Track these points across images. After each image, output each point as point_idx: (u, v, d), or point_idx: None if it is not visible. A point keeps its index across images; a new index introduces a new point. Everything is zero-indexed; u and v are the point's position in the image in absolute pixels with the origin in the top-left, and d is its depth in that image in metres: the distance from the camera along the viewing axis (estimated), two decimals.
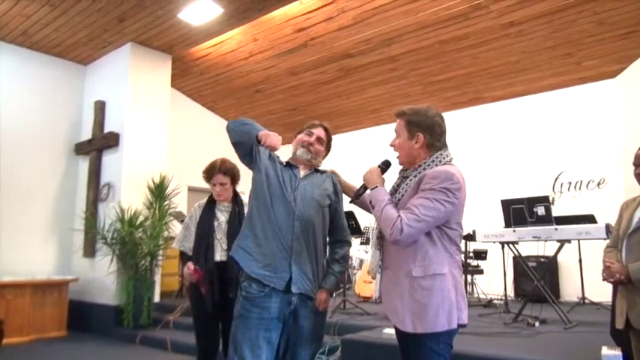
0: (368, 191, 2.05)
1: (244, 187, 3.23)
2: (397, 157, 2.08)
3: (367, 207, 2.14)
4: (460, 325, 1.87)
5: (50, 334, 5.94)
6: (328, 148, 2.50)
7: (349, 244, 2.46)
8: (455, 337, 1.93)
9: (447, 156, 1.98)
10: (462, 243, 5.58)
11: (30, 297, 5.85)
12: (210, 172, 3.10)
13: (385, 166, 2.13)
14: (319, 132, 2.42)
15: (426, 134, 1.97)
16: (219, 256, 2.94)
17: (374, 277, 2.10)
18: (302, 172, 2.37)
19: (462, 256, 5.59)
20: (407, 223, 1.80)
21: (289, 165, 2.39)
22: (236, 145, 2.37)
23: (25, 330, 5.74)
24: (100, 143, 6.76)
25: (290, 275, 2.17)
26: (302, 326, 2.22)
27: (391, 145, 2.09)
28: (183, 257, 3.15)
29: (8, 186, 6.44)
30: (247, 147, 2.34)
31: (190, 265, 2.94)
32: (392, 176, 2.09)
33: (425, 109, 2.02)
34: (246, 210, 3.03)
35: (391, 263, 1.99)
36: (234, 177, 3.13)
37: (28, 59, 6.81)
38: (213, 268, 2.90)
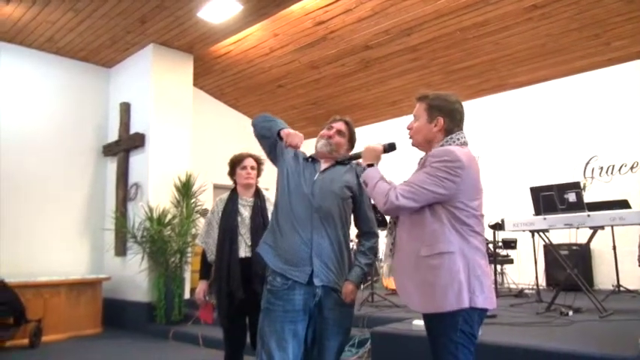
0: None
1: (267, 183, 3.26)
2: (410, 139, 2.10)
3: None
4: (481, 310, 1.85)
5: (86, 332, 6.11)
6: (352, 142, 2.49)
7: (376, 236, 2.44)
8: (479, 327, 1.90)
9: (460, 139, 1.99)
10: (491, 233, 5.53)
11: (65, 296, 6.02)
12: (239, 158, 3.12)
13: (390, 148, 2.15)
14: (339, 125, 2.44)
15: (446, 118, 1.99)
16: (244, 251, 2.93)
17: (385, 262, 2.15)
18: (323, 166, 2.38)
19: (491, 245, 5.56)
20: (400, 193, 1.87)
21: (312, 160, 2.42)
22: (260, 140, 2.43)
23: (62, 328, 5.91)
24: (126, 144, 6.89)
25: (312, 268, 2.18)
26: (327, 318, 2.22)
27: (408, 128, 2.11)
28: (204, 263, 3.16)
29: (42, 189, 6.63)
30: (271, 143, 2.40)
31: (201, 295, 3.08)
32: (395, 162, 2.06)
33: (446, 94, 2.06)
34: (268, 206, 3.07)
35: (402, 246, 2.01)
36: (260, 166, 3.15)
37: (54, 64, 6.98)
38: (237, 265, 2.89)
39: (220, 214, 3.07)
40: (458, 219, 1.88)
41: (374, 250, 2.40)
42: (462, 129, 2.03)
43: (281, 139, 2.31)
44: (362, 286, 6.30)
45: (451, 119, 2.00)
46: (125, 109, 7.06)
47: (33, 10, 5.79)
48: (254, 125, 2.45)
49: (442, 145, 1.97)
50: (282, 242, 2.25)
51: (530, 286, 5.56)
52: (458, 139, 1.98)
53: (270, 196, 3.18)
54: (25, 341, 5.36)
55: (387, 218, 2.21)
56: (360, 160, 2.17)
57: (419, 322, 3.31)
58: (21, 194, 6.45)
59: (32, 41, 6.59)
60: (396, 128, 8.34)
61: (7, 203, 6.32)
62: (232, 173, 3.16)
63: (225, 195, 3.16)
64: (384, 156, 2.14)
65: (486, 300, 1.86)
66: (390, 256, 2.09)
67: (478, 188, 1.95)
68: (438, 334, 1.89)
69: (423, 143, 2.05)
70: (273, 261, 2.25)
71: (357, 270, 2.31)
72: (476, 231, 1.91)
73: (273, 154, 2.43)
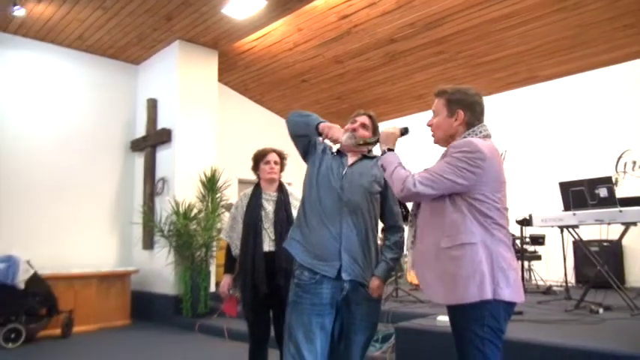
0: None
1: (290, 178, 3.27)
2: (432, 136, 2.09)
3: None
4: (507, 304, 1.82)
5: (115, 323, 6.27)
6: (376, 135, 2.47)
7: (401, 230, 2.42)
8: (507, 322, 1.87)
9: (482, 131, 1.97)
10: (518, 228, 5.44)
11: (96, 288, 6.19)
12: (262, 153, 3.13)
13: (405, 131, 2.16)
14: (363, 119, 2.43)
15: (466, 111, 1.98)
16: (267, 246, 2.95)
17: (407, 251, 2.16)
18: (350, 160, 2.38)
19: (518, 241, 5.47)
20: (419, 180, 1.87)
21: (339, 153, 2.42)
22: (295, 139, 2.43)
23: (92, 319, 6.07)
24: (153, 139, 7.01)
25: (340, 263, 2.19)
26: (354, 312, 2.23)
27: (429, 125, 2.10)
28: (229, 257, 3.20)
29: (73, 184, 6.82)
30: (306, 140, 2.40)
31: (225, 288, 3.11)
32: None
33: (465, 88, 2.03)
34: (292, 200, 3.09)
35: (422, 237, 2.01)
36: (283, 161, 3.16)
37: (84, 62, 7.14)
38: (261, 259, 2.92)
39: (244, 209, 3.10)
40: (479, 211, 1.86)
41: (400, 244, 2.38)
42: (482, 122, 2.00)
43: (319, 133, 2.30)
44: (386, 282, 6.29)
45: (472, 112, 1.98)
46: (152, 105, 7.17)
47: (63, 9, 5.93)
48: (289, 122, 2.43)
49: (464, 138, 1.94)
50: (310, 237, 2.26)
51: (559, 283, 5.44)
52: (480, 132, 1.96)
53: (293, 190, 3.20)
54: (58, 331, 5.54)
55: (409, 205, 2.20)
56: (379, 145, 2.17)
57: (443, 318, 3.28)
58: (54, 189, 6.64)
59: (63, 39, 6.75)
60: (421, 122, 8.23)
61: (41, 198, 6.51)
62: (256, 168, 3.18)
63: (249, 190, 3.18)
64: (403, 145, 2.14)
65: (513, 294, 1.82)
66: (412, 248, 2.09)
67: (500, 181, 1.93)
68: (463, 328, 1.87)
69: (445, 139, 2.03)
70: (301, 256, 2.26)
71: (384, 265, 2.30)
72: (499, 223, 1.88)
73: (307, 151, 2.43)
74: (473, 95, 2.00)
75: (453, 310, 1.91)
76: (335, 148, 2.45)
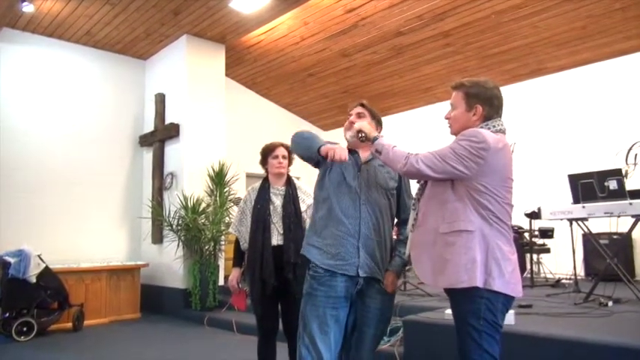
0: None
1: (298, 172, 3.27)
2: (449, 127, 2.10)
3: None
4: (505, 298, 1.83)
5: (125, 317, 6.33)
6: (376, 119, 2.42)
7: None
8: (504, 316, 1.88)
9: (496, 126, 1.97)
10: (527, 221, 5.41)
11: (106, 282, 6.25)
12: (270, 147, 3.14)
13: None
14: (356, 110, 2.42)
15: (485, 106, 1.97)
16: (276, 240, 2.97)
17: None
18: (362, 157, 2.35)
19: (527, 234, 5.44)
20: (422, 159, 1.92)
21: (349, 151, 2.35)
22: (302, 159, 2.43)
23: (103, 312, 6.15)
24: (162, 134, 7.04)
25: (359, 260, 2.19)
26: (369, 306, 2.25)
27: (446, 118, 2.10)
28: (237, 251, 3.21)
29: (83, 180, 6.88)
30: (313, 161, 2.38)
31: (234, 282, 3.13)
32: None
33: (483, 81, 2.02)
34: (300, 194, 3.10)
35: (423, 222, 2.04)
36: (291, 155, 3.16)
37: (92, 57, 7.18)
38: (269, 253, 2.94)
39: (253, 203, 3.11)
40: (479, 201, 1.87)
41: None
42: (500, 116, 2.00)
43: (324, 157, 2.21)
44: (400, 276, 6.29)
45: (490, 106, 1.97)
46: (160, 99, 7.20)
47: (71, 5, 5.96)
48: (292, 144, 2.42)
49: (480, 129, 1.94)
50: (326, 239, 2.23)
51: (568, 277, 5.41)
52: (494, 127, 1.96)
53: (301, 184, 3.20)
54: (69, 325, 5.61)
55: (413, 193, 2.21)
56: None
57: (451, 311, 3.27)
58: (63, 185, 6.70)
59: (71, 35, 6.78)
60: (430, 115, 8.23)
61: (51, 193, 6.58)
62: (264, 162, 3.19)
63: (258, 184, 3.20)
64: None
65: (507, 285, 1.83)
66: (412, 231, 2.12)
67: (505, 176, 1.93)
68: (460, 321, 1.90)
69: (462, 131, 2.00)
70: (320, 259, 2.22)
71: (398, 260, 2.31)
72: (500, 218, 1.89)
73: (318, 165, 2.39)
74: (491, 89, 1.99)
75: (451, 296, 1.96)
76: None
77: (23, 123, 6.51)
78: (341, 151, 2.14)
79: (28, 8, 5.80)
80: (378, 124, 2.42)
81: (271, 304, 3.03)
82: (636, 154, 6.50)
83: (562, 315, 3.49)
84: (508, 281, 1.84)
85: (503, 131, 1.98)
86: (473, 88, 1.99)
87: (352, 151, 2.37)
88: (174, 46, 7.05)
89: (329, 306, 2.17)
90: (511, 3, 5.75)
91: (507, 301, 1.87)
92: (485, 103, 1.97)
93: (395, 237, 2.42)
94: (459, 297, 1.88)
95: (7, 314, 5.12)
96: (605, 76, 6.81)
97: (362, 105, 2.43)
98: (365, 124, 2.19)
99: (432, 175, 1.91)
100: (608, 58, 6.75)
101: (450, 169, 1.87)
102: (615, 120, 6.63)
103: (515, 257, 1.91)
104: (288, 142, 3.16)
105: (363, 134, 2.17)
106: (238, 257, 3.20)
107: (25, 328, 5.08)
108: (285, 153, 3.13)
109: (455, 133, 2.07)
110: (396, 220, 2.43)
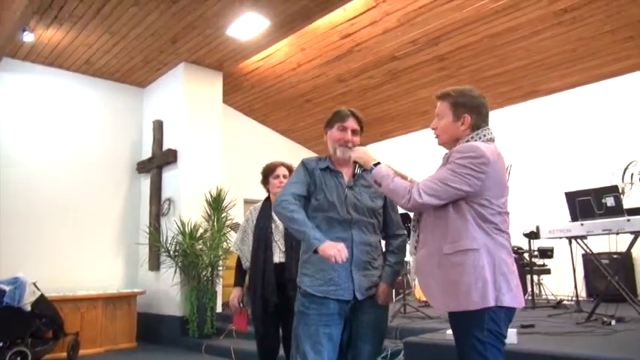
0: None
1: None
2: (436, 138, 2.07)
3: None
4: (508, 309, 1.80)
5: (121, 346, 6.22)
6: (361, 128, 2.37)
7: (403, 235, 2.40)
8: (507, 326, 1.85)
9: (486, 135, 1.95)
10: (525, 241, 5.38)
11: (102, 310, 6.16)
12: (271, 167, 3.17)
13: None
14: (351, 124, 2.32)
15: (472, 115, 1.95)
16: (278, 257, 2.98)
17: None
18: (346, 177, 2.30)
19: (527, 255, 5.40)
20: (423, 190, 1.84)
21: (330, 171, 2.30)
22: None
23: (99, 341, 6.04)
24: (159, 161, 7.06)
25: (354, 285, 2.15)
26: (362, 320, 2.21)
27: (432, 128, 2.08)
28: (239, 270, 3.20)
29: (79, 206, 6.86)
30: None
31: (235, 301, 3.10)
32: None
33: (469, 89, 2.01)
34: None
35: (425, 243, 1.98)
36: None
37: (91, 86, 7.27)
38: (272, 271, 2.94)
39: (255, 222, 3.14)
40: (482, 216, 1.84)
41: (402, 247, 2.37)
42: (487, 124, 1.99)
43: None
44: (394, 299, 6.21)
45: (478, 114, 1.96)
46: (158, 126, 7.25)
47: (71, 34, 6.06)
48: (281, 219, 2.27)
49: (467, 142, 1.93)
50: (317, 265, 2.17)
51: (569, 297, 5.35)
52: (484, 135, 1.95)
53: None
54: (63, 355, 5.50)
55: (411, 214, 2.17)
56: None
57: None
58: (60, 211, 6.68)
59: (70, 64, 6.88)
60: (427, 139, 8.24)
61: (47, 220, 6.55)
62: (265, 182, 3.22)
63: (259, 204, 3.24)
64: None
65: (514, 299, 1.81)
66: (414, 253, 2.07)
67: (503, 185, 1.92)
68: (463, 334, 1.85)
69: (450, 142, 2.02)
70: (314, 287, 2.17)
71: (388, 270, 2.28)
72: (501, 229, 1.87)
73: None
74: (478, 97, 1.98)
75: (454, 315, 1.89)
76: (326, 164, 2.33)
77: (22, 150, 6.54)
78: (341, 255, 2.00)
79: (28, 38, 5.89)
80: (361, 130, 2.37)
81: (273, 322, 3.01)
82: (632, 174, 6.54)
83: (565, 334, 3.44)
84: (515, 295, 1.82)
85: (493, 139, 1.97)
86: (460, 98, 1.97)
87: (335, 172, 2.31)
88: (172, 74, 7.14)
89: (322, 324, 2.12)
90: (504, 27, 5.87)
91: (510, 311, 1.84)
92: (473, 112, 1.95)
93: (384, 249, 2.38)
94: (465, 313, 1.81)
95: (2, 343, 5.02)
96: (598, 97, 6.89)
97: (356, 117, 2.33)
98: (362, 155, 2.12)
99: (438, 204, 1.85)
100: (599, 80, 6.85)
101: (454, 192, 1.82)
102: (610, 140, 6.68)
103: (515, 268, 1.89)
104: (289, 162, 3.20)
105: (359, 165, 2.17)
106: (240, 276, 3.19)
107: (19, 358, 4.96)
108: (286, 172, 3.16)
109: (442, 143, 2.06)
110: (383, 235, 2.39)
